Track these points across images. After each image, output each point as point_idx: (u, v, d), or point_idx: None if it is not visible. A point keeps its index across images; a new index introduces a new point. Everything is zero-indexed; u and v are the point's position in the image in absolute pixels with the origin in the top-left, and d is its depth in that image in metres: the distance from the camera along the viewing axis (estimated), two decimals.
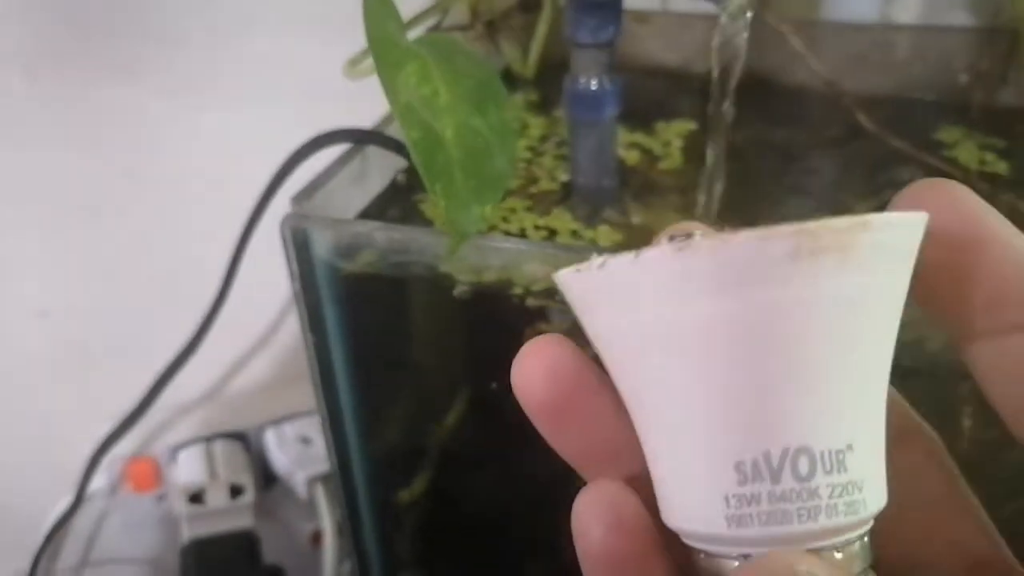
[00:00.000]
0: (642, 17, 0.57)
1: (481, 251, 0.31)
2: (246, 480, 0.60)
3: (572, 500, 0.41)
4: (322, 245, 0.33)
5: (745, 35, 0.34)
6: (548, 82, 0.53)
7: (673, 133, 0.49)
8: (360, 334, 0.37)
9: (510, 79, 0.55)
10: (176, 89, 0.54)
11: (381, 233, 0.32)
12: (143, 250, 0.57)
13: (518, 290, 0.32)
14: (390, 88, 0.29)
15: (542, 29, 0.51)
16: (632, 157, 0.46)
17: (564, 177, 0.43)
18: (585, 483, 0.18)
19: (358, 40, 0.32)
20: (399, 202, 0.39)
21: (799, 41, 0.50)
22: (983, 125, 0.50)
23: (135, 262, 0.57)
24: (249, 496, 0.59)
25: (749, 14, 0.34)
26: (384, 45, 0.29)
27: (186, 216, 0.56)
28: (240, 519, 0.59)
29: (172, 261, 0.57)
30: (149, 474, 0.62)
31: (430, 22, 0.52)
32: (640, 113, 0.51)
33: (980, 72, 0.52)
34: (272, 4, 0.53)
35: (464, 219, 0.30)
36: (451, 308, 0.36)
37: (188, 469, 0.60)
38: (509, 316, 0.35)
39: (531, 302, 0.33)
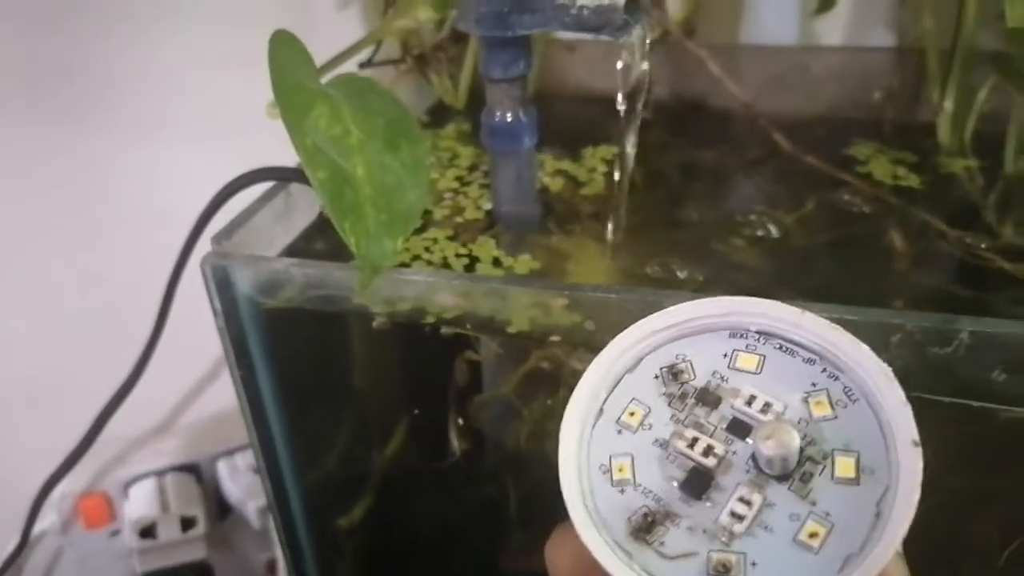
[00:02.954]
0: (570, 46, 0.59)
1: (393, 284, 0.32)
2: (197, 512, 0.60)
3: (507, 524, 0.41)
4: (243, 282, 0.34)
5: (645, 66, 0.36)
6: (479, 112, 0.54)
7: (598, 159, 0.50)
8: (288, 367, 0.38)
9: (443, 111, 0.57)
10: (116, 126, 0.55)
11: (297, 269, 0.33)
12: (87, 285, 0.58)
13: (431, 319, 0.33)
14: (296, 131, 0.30)
15: (470, 61, 0.53)
16: (557, 184, 0.47)
17: (489, 206, 0.44)
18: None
19: None
20: (327, 236, 0.40)
21: (716, 66, 0.52)
22: (896, 141, 0.52)
23: (79, 297, 0.58)
24: (201, 528, 0.60)
25: (648, 44, 0.36)
26: (290, 91, 0.31)
27: (127, 251, 0.56)
28: (192, 551, 0.60)
29: (115, 296, 0.57)
30: (102, 510, 0.62)
31: (360, 57, 0.54)
32: (571, 139, 0.52)
33: (893, 91, 0.55)
34: (209, 43, 0.54)
35: (376, 253, 0.31)
36: (379, 339, 0.37)
37: (139, 504, 0.60)
38: (438, 346, 0.36)
39: (456, 331, 0.35)
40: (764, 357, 0.22)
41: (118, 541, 0.62)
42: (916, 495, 0.18)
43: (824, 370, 0.21)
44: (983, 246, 0.42)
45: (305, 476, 0.41)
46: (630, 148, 0.37)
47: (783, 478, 0.20)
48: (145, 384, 0.54)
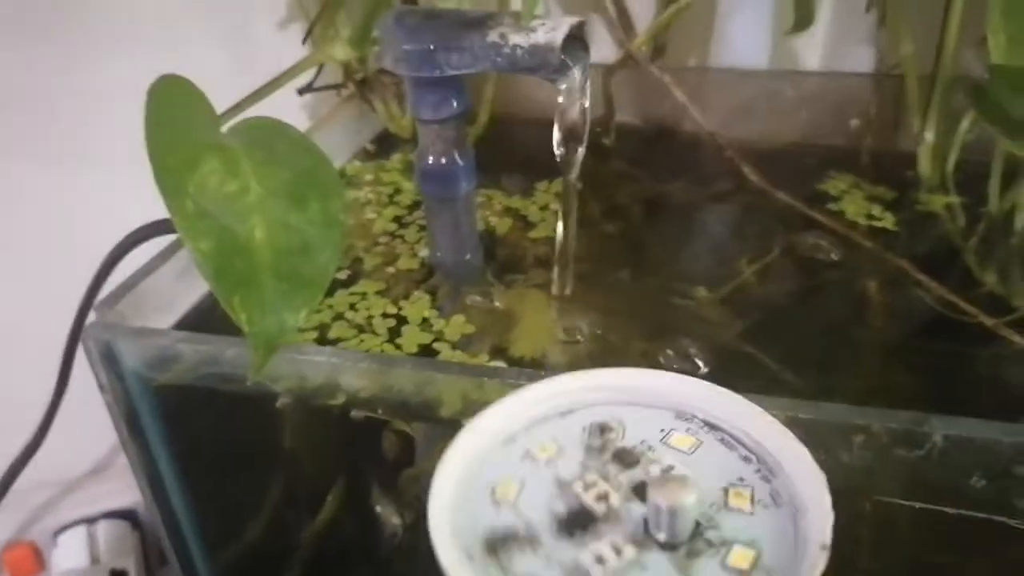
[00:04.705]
0: None
1: (292, 364, 0.28)
2: (129, 564, 0.56)
3: None
4: (129, 357, 0.30)
5: (585, 105, 0.32)
6: None
7: (552, 194, 0.46)
8: (189, 443, 0.34)
9: (389, 139, 0.53)
10: (45, 156, 0.51)
11: (186, 345, 0.29)
12: (7, 321, 0.54)
13: (341, 398, 0.30)
14: (173, 194, 0.26)
15: None
16: (504, 225, 0.44)
17: (426, 252, 0.40)
18: None
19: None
20: None
21: (680, 92, 0.49)
22: (874, 172, 0.49)
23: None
24: None
25: (588, 84, 0.32)
26: (169, 147, 0.27)
27: (52, 279, 0.53)
28: None
29: (38, 336, 0.53)
30: (28, 561, 0.58)
31: (298, 83, 0.50)
32: (527, 170, 0.48)
33: (870, 118, 0.51)
34: (138, 72, 0.50)
35: (272, 328, 0.28)
36: (295, 410, 0.33)
37: (67, 555, 0.57)
38: (365, 419, 0.33)
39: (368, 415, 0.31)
40: (702, 443, 0.22)
41: None
42: None
43: (758, 471, 0.21)
44: (962, 299, 0.38)
45: (217, 555, 0.37)
46: (575, 194, 0.33)
47: (670, 547, 0.19)
48: (78, 427, 0.50)
